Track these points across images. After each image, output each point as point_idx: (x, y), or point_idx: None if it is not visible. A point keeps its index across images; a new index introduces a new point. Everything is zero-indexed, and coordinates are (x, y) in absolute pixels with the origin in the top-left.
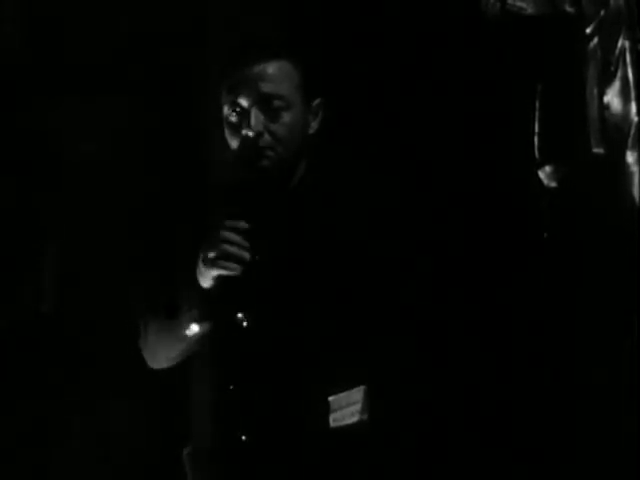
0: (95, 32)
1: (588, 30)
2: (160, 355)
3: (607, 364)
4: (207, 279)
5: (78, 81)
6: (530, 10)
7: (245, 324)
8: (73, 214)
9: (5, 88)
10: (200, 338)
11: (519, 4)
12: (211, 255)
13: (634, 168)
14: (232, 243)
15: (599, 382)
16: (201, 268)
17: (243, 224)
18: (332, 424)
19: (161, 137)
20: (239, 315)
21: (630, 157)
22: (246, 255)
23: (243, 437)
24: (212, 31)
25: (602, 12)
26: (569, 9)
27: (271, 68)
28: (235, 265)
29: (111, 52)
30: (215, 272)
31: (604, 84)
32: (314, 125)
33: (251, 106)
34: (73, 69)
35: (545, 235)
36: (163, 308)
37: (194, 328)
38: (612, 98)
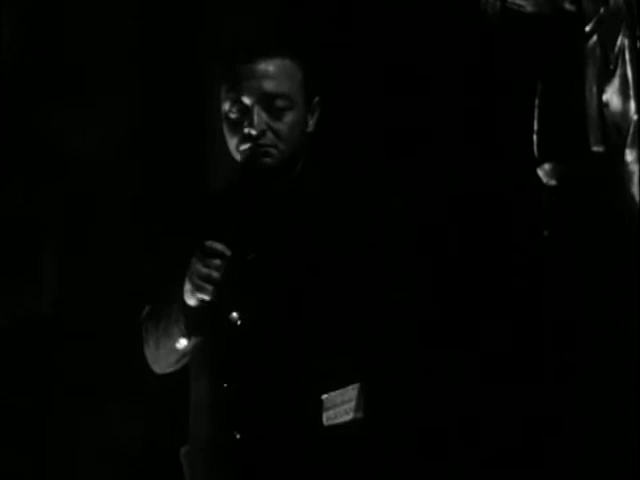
0: (95, 32)
1: (587, 28)
2: (161, 361)
3: (608, 364)
4: (190, 299)
5: (78, 81)
6: (530, 8)
7: (239, 323)
8: (73, 214)
9: (5, 88)
10: (192, 348)
11: (519, 2)
12: (192, 277)
13: (633, 166)
14: (208, 266)
15: (599, 382)
16: (185, 287)
17: (219, 247)
18: (326, 422)
19: (161, 137)
20: (233, 314)
21: (629, 155)
22: (218, 279)
23: (238, 436)
24: (211, 31)
25: (602, 10)
26: (569, 7)
27: (274, 66)
28: (211, 288)
29: (111, 52)
30: (198, 295)
31: (603, 82)
32: (311, 123)
33: (253, 104)
34: (73, 69)
35: (545, 233)
36: (159, 315)
37: (183, 342)
38: (611, 96)
